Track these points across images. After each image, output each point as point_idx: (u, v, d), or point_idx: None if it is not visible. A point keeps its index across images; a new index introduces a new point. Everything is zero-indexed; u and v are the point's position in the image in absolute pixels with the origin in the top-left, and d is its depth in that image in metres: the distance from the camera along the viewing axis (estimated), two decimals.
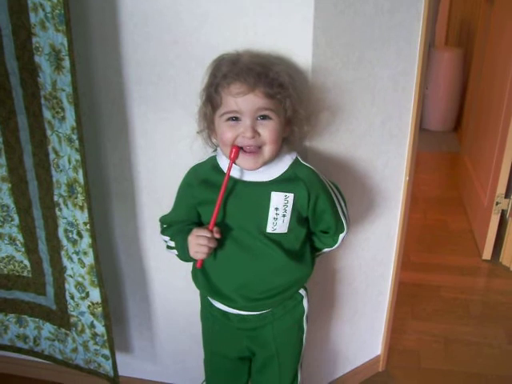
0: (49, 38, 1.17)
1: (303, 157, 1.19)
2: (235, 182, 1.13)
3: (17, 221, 1.48)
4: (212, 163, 1.18)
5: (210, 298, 1.27)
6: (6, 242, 1.51)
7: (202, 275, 1.23)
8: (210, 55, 1.14)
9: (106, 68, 1.33)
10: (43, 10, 1.14)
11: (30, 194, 1.42)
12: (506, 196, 2.48)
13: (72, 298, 1.49)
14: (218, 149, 1.17)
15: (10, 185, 1.43)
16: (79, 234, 1.37)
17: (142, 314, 1.66)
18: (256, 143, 1.07)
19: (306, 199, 1.13)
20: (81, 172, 1.28)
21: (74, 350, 1.59)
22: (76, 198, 1.32)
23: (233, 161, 1.09)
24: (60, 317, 1.55)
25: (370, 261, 1.65)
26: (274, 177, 1.13)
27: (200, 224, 1.21)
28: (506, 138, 2.35)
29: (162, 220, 1.28)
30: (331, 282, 1.59)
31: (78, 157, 1.27)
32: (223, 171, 1.13)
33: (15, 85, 1.28)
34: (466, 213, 3.08)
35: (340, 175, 1.38)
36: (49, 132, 1.30)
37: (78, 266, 1.42)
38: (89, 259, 1.39)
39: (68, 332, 1.57)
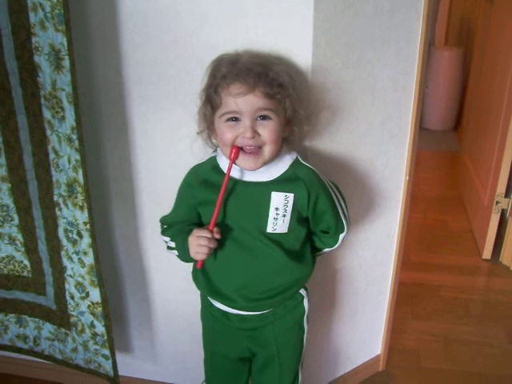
0: (48, 37, 1.17)
1: (303, 157, 1.19)
2: (235, 183, 1.13)
3: (17, 221, 1.47)
4: (212, 163, 1.18)
5: (210, 299, 1.27)
6: (5, 241, 1.51)
7: (203, 275, 1.23)
8: (210, 55, 1.14)
9: (105, 68, 1.32)
10: (43, 9, 1.14)
11: (29, 194, 1.42)
12: (506, 195, 2.48)
13: (72, 297, 1.49)
14: (218, 149, 1.17)
15: (9, 185, 1.43)
16: (79, 234, 1.37)
17: (142, 314, 1.66)
18: (256, 143, 1.07)
19: (306, 199, 1.13)
20: (81, 172, 1.28)
21: (74, 349, 1.59)
22: (76, 197, 1.32)
23: (233, 161, 1.09)
24: (60, 317, 1.55)
25: (370, 260, 1.65)
26: (274, 177, 1.13)
27: (200, 224, 1.21)
28: (505, 137, 2.35)
29: (163, 221, 1.28)
30: (331, 281, 1.59)
31: (78, 157, 1.26)
32: (223, 171, 1.13)
33: (15, 84, 1.28)
34: (466, 212, 3.08)
35: (340, 175, 1.38)
36: (48, 132, 1.30)
37: (78, 265, 1.42)
38: (89, 259, 1.39)
39: (68, 332, 1.57)
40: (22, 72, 1.25)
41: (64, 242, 1.42)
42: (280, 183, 1.13)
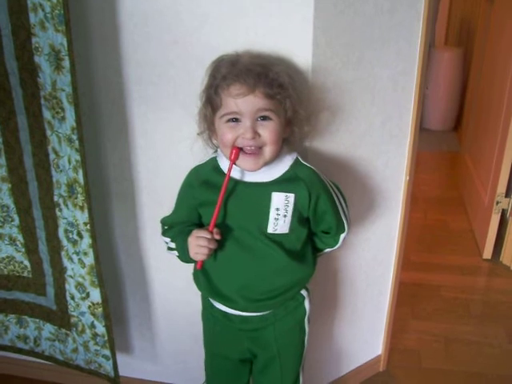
0: (48, 38, 1.17)
1: (303, 157, 1.19)
2: (236, 183, 1.13)
3: (17, 221, 1.47)
4: (213, 164, 1.18)
5: (211, 300, 1.27)
6: (6, 242, 1.51)
7: (203, 277, 1.23)
8: (210, 56, 1.14)
9: (105, 68, 1.32)
10: (43, 10, 1.14)
11: (30, 195, 1.42)
12: (507, 195, 2.48)
13: (72, 298, 1.49)
14: (219, 150, 1.17)
15: (9, 185, 1.43)
16: (79, 235, 1.37)
17: (143, 314, 1.66)
18: (256, 144, 1.07)
19: (306, 199, 1.13)
20: (81, 172, 1.28)
21: (75, 350, 1.59)
22: (76, 198, 1.32)
23: (233, 162, 1.09)
24: (60, 317, 1.55)
25: (370, 261, 1.65)
26: (275, 177, 1.13)
27: (201, 225, 1.21)
28: (506, 137, 2.35)
29: (163, 221, 1.28)
30: (332, 282, 1.59)
31: (78, 157, 1.26)
32: (224, 172, 1.13)
33: (15, 85, 1.28)
34: (466, 212, 3.07)
35: (340, 175, 1.38)
36: (49, 132, 1.30)
37: (79, 266, 1.42)
38: (89, 259, 1.39)
39: (68, 332, 1.56)
40: (22, 72, 1.25)
41: (64, 242, 1.42)
42: (281, 183, 1.13)
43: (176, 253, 1.23)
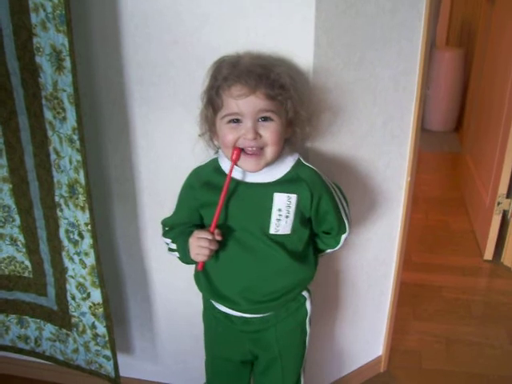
0: (50, 38, 1.17)
1: (304, 158, 1.19)
2: (237, 184, 1.13)
3: (18, 221, 1.47)
4: (214, 165, 1.18)
5: (212, 301, 1.27)
6: (7, 242, 1.51)
7: (205, 278, 1.22)
8: (210, 56, 1.14)
9: (106, 68, 1.32)
10: (44, 10, 1.14)
11: (31, 195, 1.42)
12: (508, 196, 2.48)
13: (73, 298, 1.49)
14: (220, 151, 1.17)
15: (11, 185, 1.43)
16: (80, 235, 1.37)
17: (144, 315, 1.66)
18: (258, 145, 1.07)
19: (308, 200, 1.13)
20: (82, 172, 1.28)
21: (75, 350, 1.59)
22: (77, 198, 1.32)
23: (234, 162, 1.08)
24: (61, 317, 1.55)
25: (371, 261, 1.65)
26: (277, 178, 1.13)
27: (202, 226, 1.21)
28: (507, 138, 2.34)
29: (164, 222, 1.28)
30: (333, 282, 1.59)
31: (79, 157, 1.26)
32: (225, 173, 1.13)
33: (16, 85, 1.28)
34: (467, 213, 3.07)
35: (342, 176, 1.38)
36: (50, 132, 1.30)
37: (80, 266, 1.42)
38: (90, 260, 1.39)
39: (69, 333, 1.56)
40: (23, 73, 1.25)
41: (65, 242, 1.42)
42: (282, 184, 1.13)
43: (177, 254, 1.23)
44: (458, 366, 1.93)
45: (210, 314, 1.31)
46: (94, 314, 1.48)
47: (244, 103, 1.04)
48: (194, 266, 1.26)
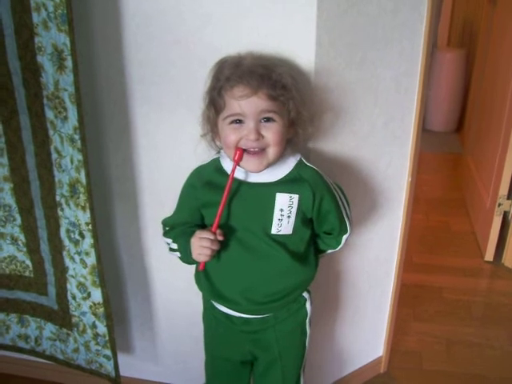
0: (51, 37, 1.17)
1: (306, 158, 1.18)
2: (239, 184, 1.13)
3: (19, 221, 1.47)
4: (215, 165, 1.18)
5: (212, 301, 1.26)
6: (8, 241, 1.51)
7: (206, 278, 1.22)
8: (212, 56, 1.14)
9: (108, 68, 1.32)
10: (46, 9, 1.14)
11: (32, 194, 1.42)
12: (509, 197, 2.48)
13: (74, 298, 1.48)
14: (222, 151, 1.17)
15: (12, 185, 1.43)
16: (81, 235, 1.37)
17: (144, 315, 1.66)
18: (260, 145, 1.07)
19: (310, 200, 1.13)
20: (83, 172, 1.28)
21: (76, 350, 1.59)
22: (78, 198, 1.32)
23: (237, 163, 1.08)
24: (62, 317, 1.55)
25: (372, 262, 1.65)
26: (279, 178, 1.13)
27: (203, 226, 1.21)
28: (508, 139, 2.34)
29: (165, 222, 1.28)
30: (334, 283, 1.59)
31: (80, 157, 1.26)
32: (227, 173, 1.13)
33: (18, 85, 1.28)
34: (468, 214, 3.07)
35: (343, 176, 1.38)
36: (51, 132, 1.30)
37: (80, 266, 1.42)
38: (91, 259, 1.39)
39: (69, 332, 1.56)
40: (24, 72, 1.25)
41: (66, 242, 1.42)
42: (285, 184, 1.12)
43: (178, 254, 1.23)
44: (459, 367, 1.93)
45: (210, 314, 1.31)
46: (95, 314, 1.48)
47: (246, 104, 1.04)
48: (194, 265, 1.26)
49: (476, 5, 4.02)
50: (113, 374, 1.56)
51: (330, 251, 1.29)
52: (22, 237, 1.50)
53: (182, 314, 1.60)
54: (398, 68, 1.39)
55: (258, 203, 1.13)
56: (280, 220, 1.13)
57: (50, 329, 1.60)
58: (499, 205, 2.48)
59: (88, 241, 1.37)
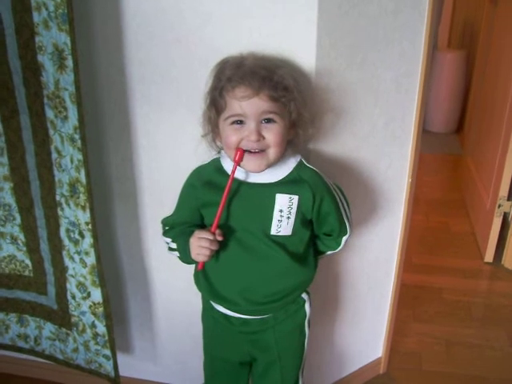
0: (52, 37, 1.17)
1: (306, 159, 1.18)
2: (239, 184, 1.13)
3: (18, 220, 1.47)
4: (215, 165, 1.18)
5: (211, 302, 1.26)
6: (7, 241, 1.51)
7: (205, 279, 1.22)
8: (213, 56, 1.14)
9: (108, 67, 1.32)
10: (46, 9, 1.14)
11: (31, 194, 1.42)
12: (509, 198, 2.47)
13: (73, 297, 1.48)
14: (222, 151, 1.17)
15: (12, 184, 1.43)
16: (81, 234, 1.37)
17: (144, 315, 1.66)
18: (260, 146, 1.07)
19: (310, 201, 1.13)
20: (83, 172, 1.28)
21: (75, 349, 1.59)
22: (78, 197, 1.32)
23: (237, 163, 1.08)
24: (61, 316, 1.55)
25: (372, 263, 1.64)
26: (279, 179, 1.13)
27: (203, 226, 1.21)
28: (508, 140, 2.34)
29: (164, 222, 1.28)
30: (334, 284, 1.59)
31: (81, 156, 1.26)
32: (227, 173, 1.13)
33: (18, 84, 1.28)
34: (468, 215, 3.07)
35: (343, 177, 1.38)
36: (51, 131, 1.30)
37: (80, 265, 1.42)
38: (90, 259, 1.39)
39: (69, 332, 1.56)
40: (25, 71, 1.25)
41: (66, 241, 1.42)
42: (285, 185, 1.12)
43: (177, 253, 1.23)
44: (458, 368, 1.93)
45: (208, 314, 1.31)
46: (94, 314, 1.47)
47: (247, 105, 1.04)
48: (194, 265, 1.26)
49: (477, 5, 4.01)
50: (112, 373, 1.56)
51: (329, 252, 1.29)
52: (21, 236, 1.50)
53: (181, 314, 1.60)
54: (399, 69, 1.39)
55: (258, 204, 1.13)
56: (279, 221, 1.13)
57: (49, 328, 1.60)
58: (499, 206, 2.48)
59: (88, 240, 1.37)
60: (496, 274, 2.54)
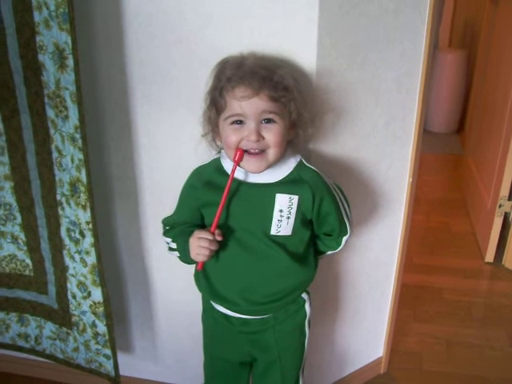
0: (53, 36, 1.17)
1: (306, 159, 1.18)
2: (239, 184, 1.13)
3: (19, 219, 1.47)
4: (216, 165, 1.18)
5: (211, 302, 1.26)
6: (8, 240, 1.51)
7: (205, 279, 1.22)
8: (213, 56, 1.14)
9: (109, 66, 1.32)
10: (47, 8, 1.14)
11: (32, 193, 1.42)
12: (510, 198, 2.47)
13: (74, 297, 1.48)
14: (222, 151, 1.17)
15: (12, 183, 1.43)
16: (81, 234, 1.37)
17: (144, 314, 1.66)
18: (260, 146, 1.07)
19: (310, 201, 1.13)
20: (84, 171, 1.28)
21: (76, 349, 1.59)
22: (79, 197, 1.32)
23: (237, 163, 1.08)
24: (62, 316, 1.55)
25: (372, 262, 1.64)
26: (279, 179, 1.13)
27: (203, 226, 1.21)
28: (509, 140, 2.34)
29: (165, 222, 1.28)
30: (334, 284, 1.59)
31: (81, 156, 1.26)
32: (227, 173, 1.13)
33: (19, 83, 1.28)
34: (468, 215, 3.07)
35: (343, 177, 1.38)
36: (52, 131, 1.30)
37: (80, 265, 1.42)
38: (91, 259, 1.39)
39: (69, 331, 1.56)
40: (26, 71, 1.25)
41: (66, 241, 1.42)
42: (285, 185, 1.12)
43: (177, 253, 1.23)
44: (459, 368, 1.93)
45: (209, 314, 1.31)
46: (95, 313, 1.48)
47: (247, 105, 1.04)
48: (194, 265, 1.26)
49: (477, 5, 4.01)
50: (112, 373, 1.56)
51: (329, 252, 1.29)
52: (22, 235, 1.50)
53: (181, 313, 1.60)
54: (400, 69, 1.39)
55: (258, 204, 1.13)
56: (279, 221, 1.13)
57: (49, 328, 1.60)
58: (500, 206, 2.48)
59: (88, 240, 1.37)
60: (496, 274, 2.54)
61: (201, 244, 1.12)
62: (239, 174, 1.12)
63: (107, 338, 1.50)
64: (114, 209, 1.51)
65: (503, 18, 2.73)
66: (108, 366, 1.56)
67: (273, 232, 1.13)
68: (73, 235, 1.39)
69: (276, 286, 1.19)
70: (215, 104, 1.09)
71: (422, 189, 3.33)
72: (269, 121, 1.06)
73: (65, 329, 1.57)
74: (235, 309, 1.21)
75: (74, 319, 1.53)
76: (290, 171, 1.14)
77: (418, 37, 1.39)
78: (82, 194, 1.31)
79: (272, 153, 1.08)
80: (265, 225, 1.13)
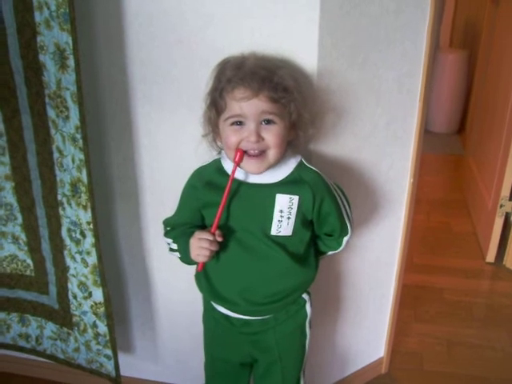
0: (54, 36, 1.17)
1: (307, 159, 1.18)
2: (240, 184, 1.13)
3: (20, 219, 1.47)
4: (216, 165, 1.18)
5: (212, 302, 1.26)
6: (9, 240, 1.51)
7: (205, 279, 1.22)
8: (214, 56, 1.14)
9: (110, 67, 1.32)
10: (48, 8, 1.14)
11: (33, 193, 1.42)
12: (511, 198, 2.47)
13: (75, 297, 1.48)
14: (223, 151, 1.17)
15: (13, 183, 1.43)
16: (82, 234, 1.37)
17: (145, 314, 1.66)
18: (260, 147, 1.07)
19: (311, 202, 1.13)
20: (84, 171, 1.28)
21: (76, 349, 1.59)
22: (79, 197, 1.32)
23: (237, 164, 1.08)
24: (62, 316, 1.55)
25: (373, 263, 1.64)
26: (279, 179, 1.13)
27: (204, 227, 1.21)
28: (510, 141, 2.34)
29: (166, 222, 1.28)
30: (335, 284, 1.59)
31: (82, 156, 1.26)
32: (227, 173, 1.13)
33: (19, 83, 1.28)
34: (469, 215, 3.07)
35: (344, 177, 1.38)
36: (53, 131, 1.30)
37: (81, 265, 1.42)
38: (92, 259, 1.39)
39: (70, 331, 1.56)
40: (26, 71, 1.25)
41: (67, 241, 1.42)
42: (285, 185, 1.12)
43: (178, 254, 1.23)
44: (459, 368, 1.93)
45: (209, 315, 1.31)
46: (96, 313, 1.48)
47: (247, 106, 1.04)
48: (195, 266, 1.26)
49: (478, 5, 4.01)
50: (113, 373, 1.56)
51: (330, 253, 1.29)
52: (23, 236, 1.50)
53: (182, 313, 1.60)
54: (401, 69, 1.39)
55: (258, 204, 1.13)
56: (280, 221, 1.13)
57: (50, 328, 1.60)
58: (501, 206, 2.48)
59: (89, 240, 1.37)
60: (497, 274, 2.53)
61: (201, 245, 1.12)
62: (239, 175, 1.12)
63: (108, 338, 1.50)
64: (115, 209, 1.51)
65: (504, 18, 2.73)
66: (109, 367, 1.56)
67: (273, 232, 1.13)
68: (74, 235, 1.39)
69: (276, 287, 1.19)
70: (215, 105, 1.09)
71: (423, 189, 3.33)
72: (268, 122, 1.06)
73: (66, 329, 1.57)
74: (235, 309, 1.21)
75: (74, 319, 1.53)
76: (290, 171, 1.13)
77: (418, 37, 1.39)
78: (82, 195, 1.31)
79: (272, 154, 1.08)
80: (265, 225, 1.13)
